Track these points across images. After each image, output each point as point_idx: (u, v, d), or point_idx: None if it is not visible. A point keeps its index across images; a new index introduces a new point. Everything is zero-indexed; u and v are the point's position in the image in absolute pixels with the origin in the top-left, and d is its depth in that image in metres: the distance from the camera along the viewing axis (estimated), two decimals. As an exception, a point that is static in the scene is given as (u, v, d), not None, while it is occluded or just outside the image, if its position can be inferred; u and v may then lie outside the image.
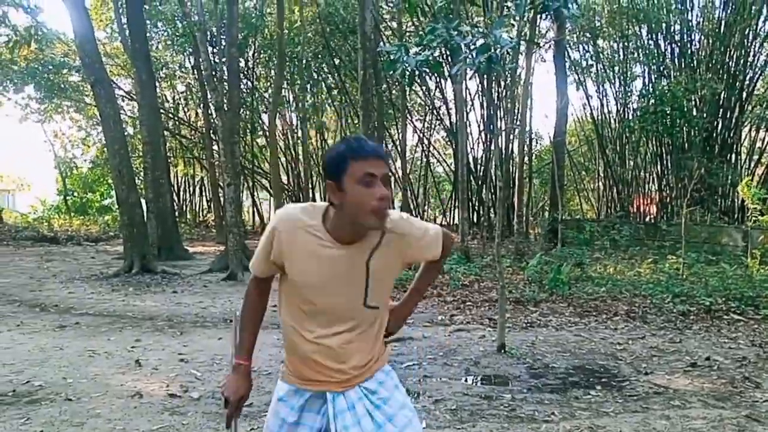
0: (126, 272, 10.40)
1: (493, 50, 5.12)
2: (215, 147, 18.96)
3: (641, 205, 19.97)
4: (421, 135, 24.11)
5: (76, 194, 25.43)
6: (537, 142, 22.12)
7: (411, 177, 25.31)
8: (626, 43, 19.40)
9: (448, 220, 24.31)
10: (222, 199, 17.47)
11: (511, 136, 18.79)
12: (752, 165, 18.69)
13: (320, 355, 1.75)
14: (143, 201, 12.45)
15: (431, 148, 24.52)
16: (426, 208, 26.09)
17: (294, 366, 1.82)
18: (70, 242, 16.62)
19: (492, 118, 19.32)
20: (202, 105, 19.90)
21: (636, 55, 19.36)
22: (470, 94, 20.67)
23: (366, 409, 1.79)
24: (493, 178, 19.34)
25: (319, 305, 1.73)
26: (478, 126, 21.32)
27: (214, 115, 18.10)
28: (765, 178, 17.38)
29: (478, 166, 21.16)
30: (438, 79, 20.67)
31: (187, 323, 6.89)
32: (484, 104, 20.38)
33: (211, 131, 18.67)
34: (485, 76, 15.19)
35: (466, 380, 4.81)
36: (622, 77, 19.74)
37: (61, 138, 25.75)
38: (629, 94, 19.74)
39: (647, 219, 18.61)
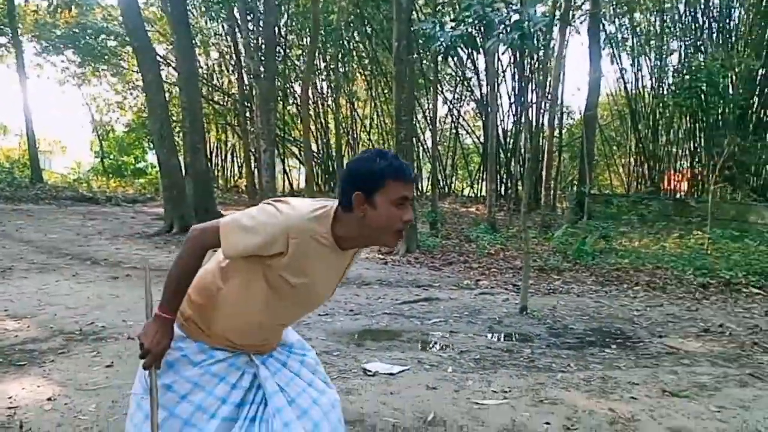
0: (167, 231, 10.94)
1: (526, 27, 5.35)
2: (248, 114, 19.38)
3: (672, 181, 19.92)
4: (451, 106, 24.20)
5: (112, 157, 26.20)
6: (568, 116, 22.01)
7: (440, 148, 25.48)
8: (663, 17, 19.12)
9: (475, 191, 24.49)
10: (254, 165, 17.96)
11: (542, 109, 18.81)
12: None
13: (257, 334, 1.84)
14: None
15: (461, 120, 24.62)
16: (454, 179, 26.26)
17: (217, 331, 1.82)
18: (109, 203, 17.28)
19: (523, 91, 19.37)
20: (236, 72, 20.24)
21: (673, 29, 19.07)
22: (502, 66, 20.66)
23: (294, 360, 1.98)
24: (522, 150, 19.44)
25: (296, 299, 1.76)
26: (509, 98, 21.33)
27: (247, 83, 18.54)
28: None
29: (508, 139, 21.24)
30: (470, 51, 20.66)
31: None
32: (516, 77, 20.38)
33: (245, 98, 19.02)
34: (518, 50, 15.27)
35: (489, 336, 5.17)
36: (657, 52, 19.50)
37: (98, 102, 26.46)
38: (665, 69, 19.54)
39: (677, 195, 18.59)
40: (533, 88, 19.76)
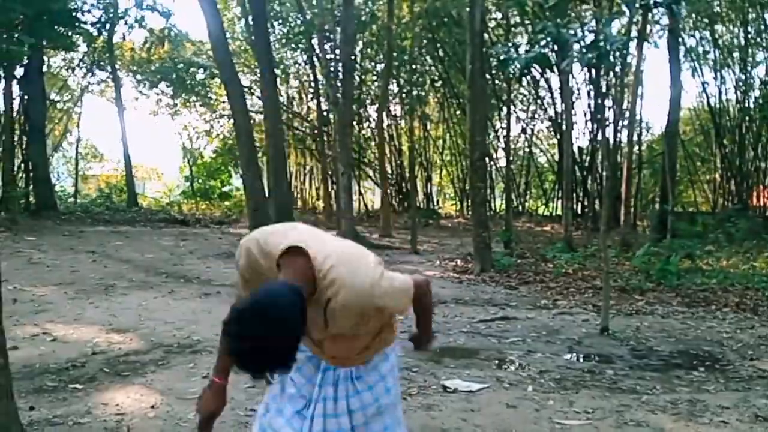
0: (251, 251, 11.48)
1: (602, 47, 5.37)
2: (326, 138, 20.03)
3: (762, 198, 18.84)
4: (525, 125, 24.02)
5: (200, 181, 27.62)
6: (648, 132, 21.33)
7: (513, 167, 25.23)
8: (747, 29, 18.29)
9: (550, 210, 24.05)
10: (331, 187, 18.48)
11: (620, 126, 18.34)
12: None
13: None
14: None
15: (534, 138, 24.37)
16: (527, 198, 25.92)
17: None
18: (198, 224, 18.21)
19: (599, 108, 18.99)
20: (314, 99, 21.01)
21: (758, 40, 18.19)
22: (577, 83, 20.38)
23: (346, 392, 1.83)
24: (600, 168, 18.98)
25: None
26: (584, 115, 20.96)
27: (325, 108, 19.21)
28: None
29: (584, 156, 20.82)
30: (543, 70, 20.50)
31: (309, 296, 7.66)
32: (592, 94, 20.03)
33: (323, 123, 19.69)
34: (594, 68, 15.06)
35: (569, 357, 5.15)
36: (742, 64, 18.62)
37: (189, 129, 28.09)
38: (750, 81, 18.62)
39: (767, 213, 17.56)
40: (610, 104, 19.33)
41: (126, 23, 16.72)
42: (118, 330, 5.54)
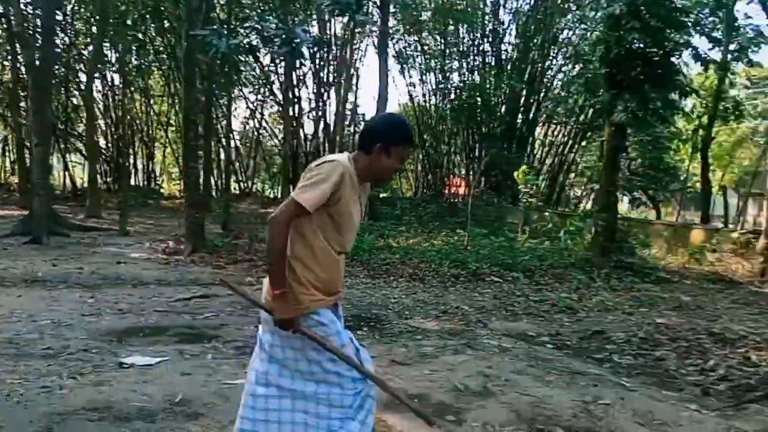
0: None
1: (294, 44, 5.85)
2: (23, 104, 17.58)
3: (452, 187, 22.25)
4: (254, 107, 24.28)
5: None
6: (363, 122, 23.34)
7: (242, 149, 25.36)
8: (447, 39, 21.26)
9: (276, 193, 24.80)
10: (29, 161, 16.24)
11: (340, 115, 19.79)
12: (544, 156, 21.72)
13: (340, 268, 2.38)
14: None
15: (263, 122, 24.82)
16: (255, 180, 26.30)
17: (326, 285, 2.31)
18: None
19: (321, 97, 20.23)
20: (10, 58, 18.21)
21: (455, 51, 21.29)
22: (304, 72, 21.28)
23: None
24: (317, 153, 20.21)
25: (348, 230, 2.32)
26: (309, 102, 22.04)
27: (23, 71, 16.76)
28: (557, 168, 20.40)
29: (307, 142, 21.93)
30: (273, 56, 20.96)
31: (-14, 282, 6.80)
32: (315, 83, 21.17)
33: (19, 87, 17.24)
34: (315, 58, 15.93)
35: (256, 327, 5.54)
36: (441, 70, 21.60)
37: None
38: (448, 86, 21.72)
39: (453, 200, 20.83)
40: (332, 94, 20.66)
41: None
42: None
